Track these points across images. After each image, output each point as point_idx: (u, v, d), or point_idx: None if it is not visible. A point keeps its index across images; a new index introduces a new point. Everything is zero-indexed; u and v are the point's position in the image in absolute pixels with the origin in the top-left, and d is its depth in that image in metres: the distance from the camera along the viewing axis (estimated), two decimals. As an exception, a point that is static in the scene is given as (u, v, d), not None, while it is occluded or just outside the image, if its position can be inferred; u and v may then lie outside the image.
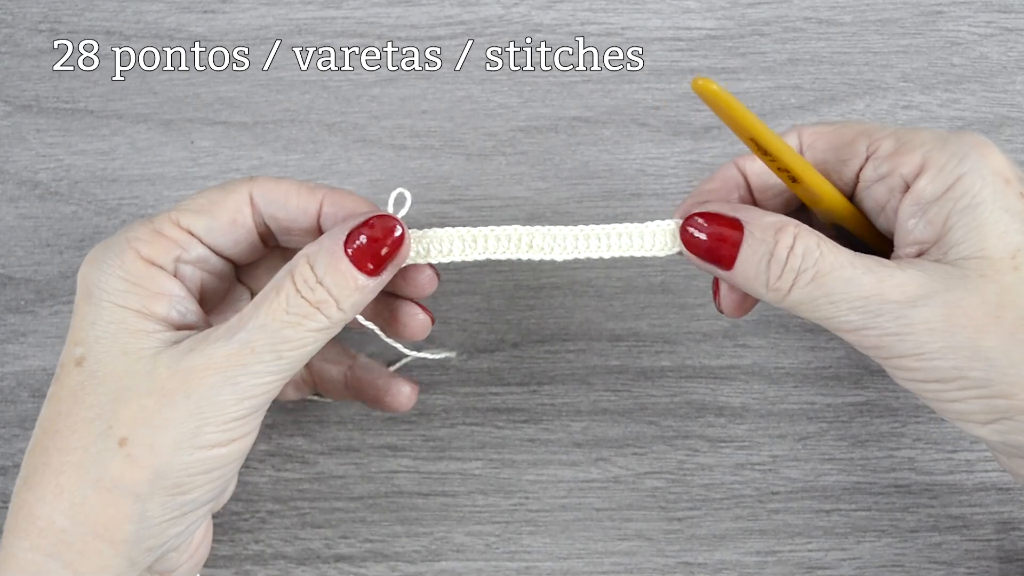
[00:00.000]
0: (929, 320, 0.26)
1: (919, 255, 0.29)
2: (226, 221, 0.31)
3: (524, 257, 0.32)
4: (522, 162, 0.44)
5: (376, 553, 0.41)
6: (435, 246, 0.32)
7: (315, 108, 0.44)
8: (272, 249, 0.35)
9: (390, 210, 0.32)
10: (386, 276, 0.30)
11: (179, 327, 0.30)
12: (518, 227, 0.32)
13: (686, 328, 0.43)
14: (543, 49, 0.45)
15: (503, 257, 0.32)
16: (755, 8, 0.45)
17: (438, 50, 0.45)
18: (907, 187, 0.28)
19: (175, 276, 0.30)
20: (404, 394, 0.37)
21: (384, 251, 0.30)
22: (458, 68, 0.45)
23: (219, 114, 0.44)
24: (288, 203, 0.32)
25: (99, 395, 0.27)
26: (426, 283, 0.34)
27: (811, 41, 0.45)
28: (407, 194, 0.32)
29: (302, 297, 0.28)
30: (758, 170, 0.32)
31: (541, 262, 0.43)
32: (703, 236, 0.29)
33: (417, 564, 0.41)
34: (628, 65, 0.45)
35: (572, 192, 0.44)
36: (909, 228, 0.28)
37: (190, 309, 0.30)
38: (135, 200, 0.44)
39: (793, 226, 0.28)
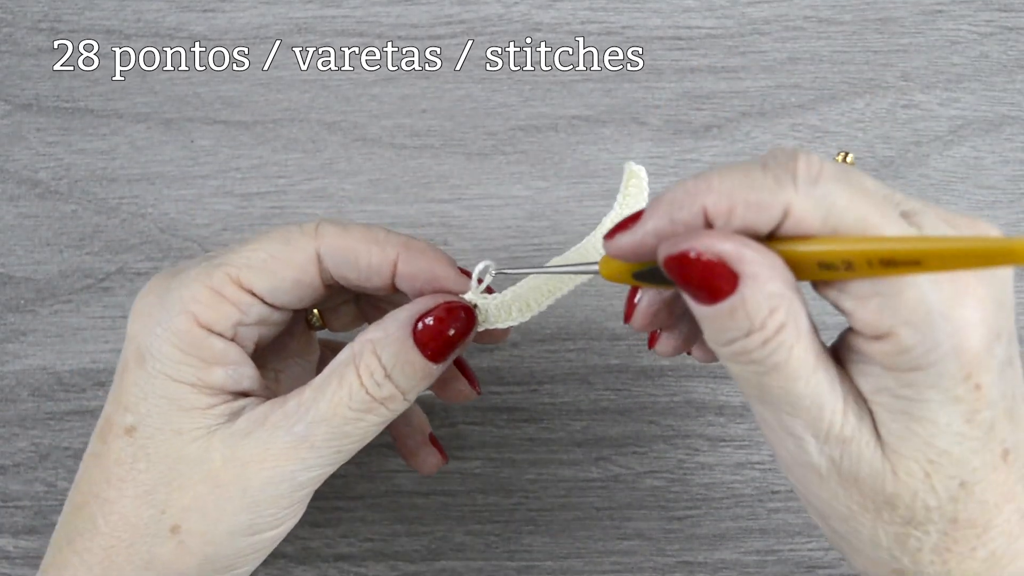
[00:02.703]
0: (828, 481, 0.24)
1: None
2: (290, 281, 0.29)
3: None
4: (522, 161, 0.44)
5: (376, 552, 0.41)
6: (492, 313, 0.30)
7: (315, 107, 0.44)
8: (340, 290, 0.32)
9: (473, 284, 0.30)
10: (452, 359, 0.29)
11: (234, 393, 0.28)
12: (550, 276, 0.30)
13: (686, 327, 0.43)
14: (543, 48, 0.45)
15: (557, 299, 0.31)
16: (755, 7, 0.45)
17: (438, 49, 0.45)
18: (859, 331, 0.24)
19: (233, 340, 0.28)
20: (429, 464, 0.36)
21: (452, 332, 0.28)
22: (458, 67, 0.45)
23: (219, 113, 0.44)
24: (359, 263, 0.29)
25: (151, 473, 0.27)
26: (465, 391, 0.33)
27: (811, 40, 0.45)
28: (492, 268, 0.30)
29: (367, 393, 0.27)
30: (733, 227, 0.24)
31: (541, 262, 0.43)
32: (703, 267, 0.23)
33: (417, 563, 0.41)
34: (628, 64, 0.45)
35: (572, 191, 0.44)
36: (845, 353, 0.25)
37: (246, 375, 0.29)
38: (135, 199, 0.44)
39: (784, 310, 0.23)
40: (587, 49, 0.45)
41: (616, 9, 0.45)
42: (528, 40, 0.45)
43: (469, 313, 0.29)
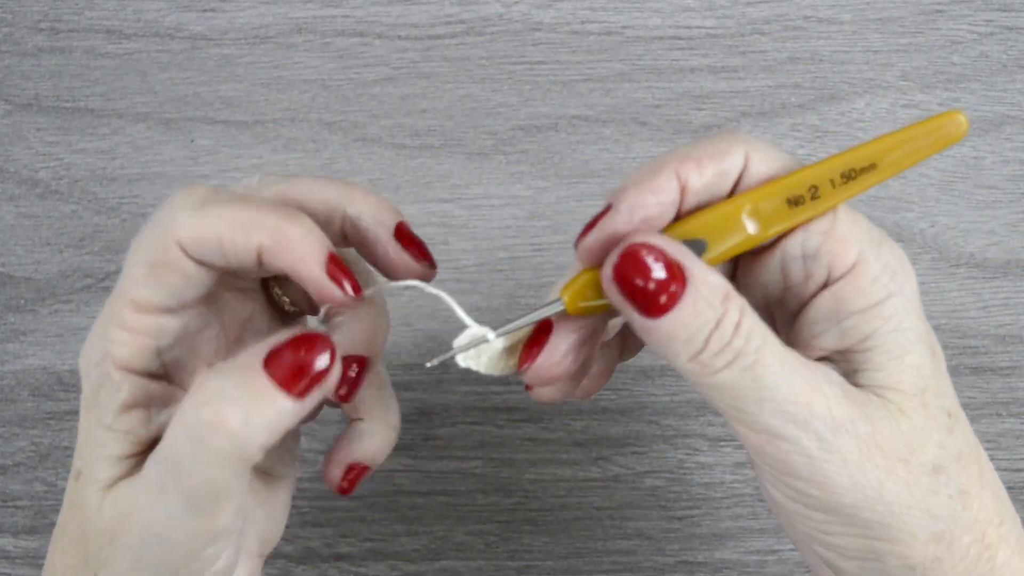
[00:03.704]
0: (846, 451, 0.23)
1: (819, 359, 0.25)
2: (179, 284, 0.25)
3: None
4: (522, 161, 0.44)
5: (376, 552, 0.41)
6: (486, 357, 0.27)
7: (315, 107, 0.44)
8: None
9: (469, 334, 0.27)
10: (308, 403, 0.24)
11: (159, 436, 0.26)
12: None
13: (686, 327, 0.43)
14: (543, 48, 0.45)
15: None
16: (755, 7, 0.45)
17: (438, 49, 0.45)
18: (827, 280, 0.25)
19: (163, 369, 0.26)
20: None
21: (313, 371, 0.24)
22: (458, 67, 0.45)
23: (219, 113, 0.44)
24: (226, 254, 0.25)
25: (75, 523, 0.27)
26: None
27: (811, 40, 0.45)
28: (490, 336, 0.27)
29: (199, 418, 0.23)
30: (700, 187, 0.25)
31: (541, 262, 0.43)
32: (643, 274, 0.23)
33: (417, 563, 0.41)
34: (628, 64, 0.45)
35: (572, 191, 0.44)
36: (818, 330, 0.25)
37: (173, 396, 0.27)
38: (135, 199, 0.44)
39: (736, 295, 0.24)
40: (587, 48, 0.45)
41: (616, 9, 0.45)
42: (528, 40, 0.45)
43: (333, 357, 0.24)
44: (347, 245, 0.28)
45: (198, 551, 0.25)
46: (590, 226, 0.25)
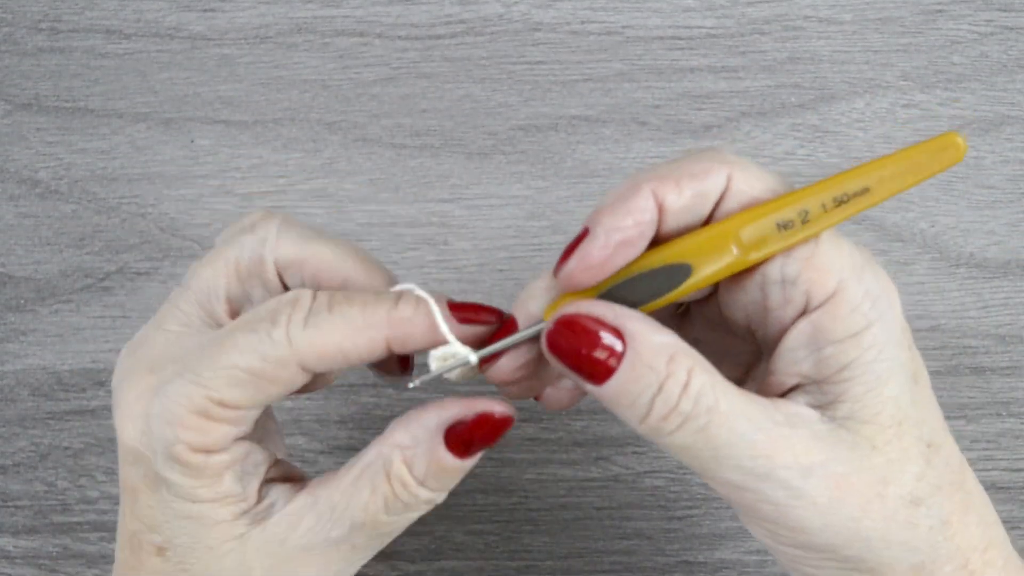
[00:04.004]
0: (816, 495, 0.23)
1: (794, 387, 0.25)
2: (280, 392, 0.25)
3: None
4: (522, 161, 0.44)
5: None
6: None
7: (315, 107, 0.44)
8: None
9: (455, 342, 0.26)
10: (481, 451, 0.27)
11: (254, 485, 0.27)
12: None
13: (686, 327, 0.43)
14: (543, 48, 0.45)
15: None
16: (755, 7, 0.45)
17: (438, 49, 0.45)
18: (806, 307, 0.24)
19: (238, 443, 0.26)
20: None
21: (484, 434, 0.26)
22: (458, 67, 0.45)
23: (219, 113, 0.44)
24: (349, 361, 0.25)
25: None
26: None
27: (811, 40, 0.45)
28: (472, 359, 0.26)
29: (402, 501, 0.26)
30: (679, 208, 0.24)
31: (541, 262, 0.43)
32: (579, 343, 0.23)
33: (417, 563, 0.41)
34: (628, 64, 0.45)
35: (572, 191, 0.44)
36: (796, 358, 0.24)
37: (258, 462, 0.27)
38: (135, 199, 0.44)
39: (684, 355, 0.23)
40: (587, 48, 0.45)
41: (616, 9, 0.45)
42: (528, 40, 0.45)
43: (504, 416, 0.26)
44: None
45: None
46: (568, 252, 0.24)
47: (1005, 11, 0.45)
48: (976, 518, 0.25)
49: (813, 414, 0.24)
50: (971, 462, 0.41)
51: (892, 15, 0.45)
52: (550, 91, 0.45)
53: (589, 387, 0.24)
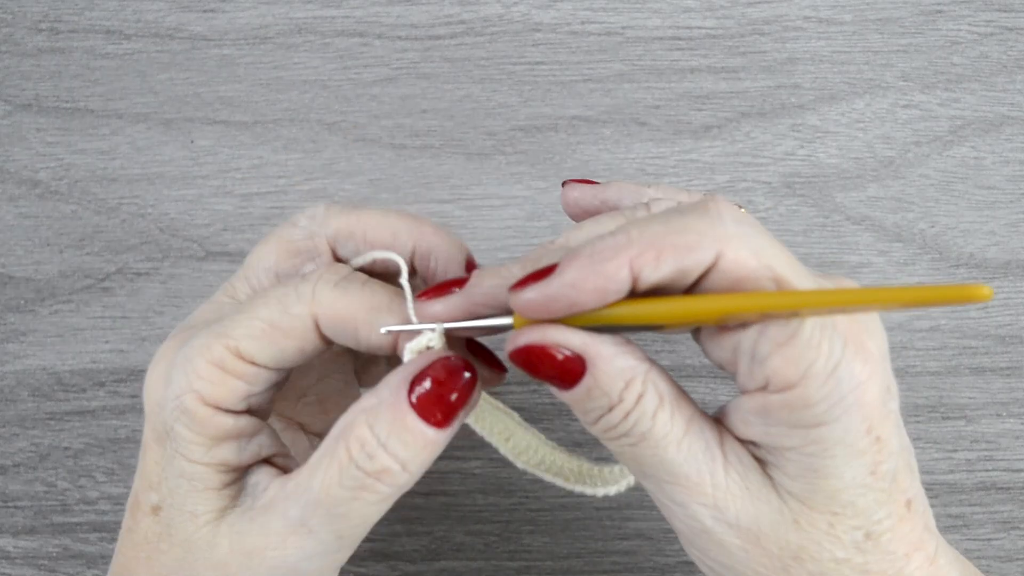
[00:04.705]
0: (723, 538, 0.24)
1: (747, 440, 0.25)
2: (293, 349, 0.27)
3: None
4: (522, 161, 0.44)
5: (376, 552, 0.41)
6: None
7: (315, 107, 0.44)
8: None
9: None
10: (456, 426, 0.26)
11: (250, 465, 0.28)
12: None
13: (686, 327, 0.43)
14: (543, 48, 0.45)
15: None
16: (755, 7, 0.45)
17: (438, 49, 0.45)
18: (767, 387, 0.23)
19: (247, 410, 0.27)
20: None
21: (454, 397, 0.25)
22: (458, 67, 0.45)
23: (219, 113, 0.44)
24: (359, 335, 0.27)
25: (172, 555, 0.27)
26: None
27: (811, 40, 0.45)
28: (436, 345, 0.27)
29: (358, 468, 0.25)
30: (654, 281, 0.23)
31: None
32: (541, 365, 0.24)
33: (417, 563, 0.41)
34: (628, 65, 0.45)
35: (572, 191, 0.44)
36: (747, 420, 0.24)
37: (261, 443, 0.28)
38: (135, 199, 0.44)
39: (640, 381, 0.24)
40: (587, 49, 0.45)
41: (616, 9, 0.45)
42: (528, 40, 0.45)
43: (472, 371, 0.26)
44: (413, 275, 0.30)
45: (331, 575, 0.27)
46: (531, 278, 0.24)
47: (1005, 11, 0.45)
48: None
49: (755, 466, 0.24)
50: (972, 462, 0.41)
51: (892, 15, 0.45)
52: (550, 91, 0.45)
53: (555, 391, 0.25)
